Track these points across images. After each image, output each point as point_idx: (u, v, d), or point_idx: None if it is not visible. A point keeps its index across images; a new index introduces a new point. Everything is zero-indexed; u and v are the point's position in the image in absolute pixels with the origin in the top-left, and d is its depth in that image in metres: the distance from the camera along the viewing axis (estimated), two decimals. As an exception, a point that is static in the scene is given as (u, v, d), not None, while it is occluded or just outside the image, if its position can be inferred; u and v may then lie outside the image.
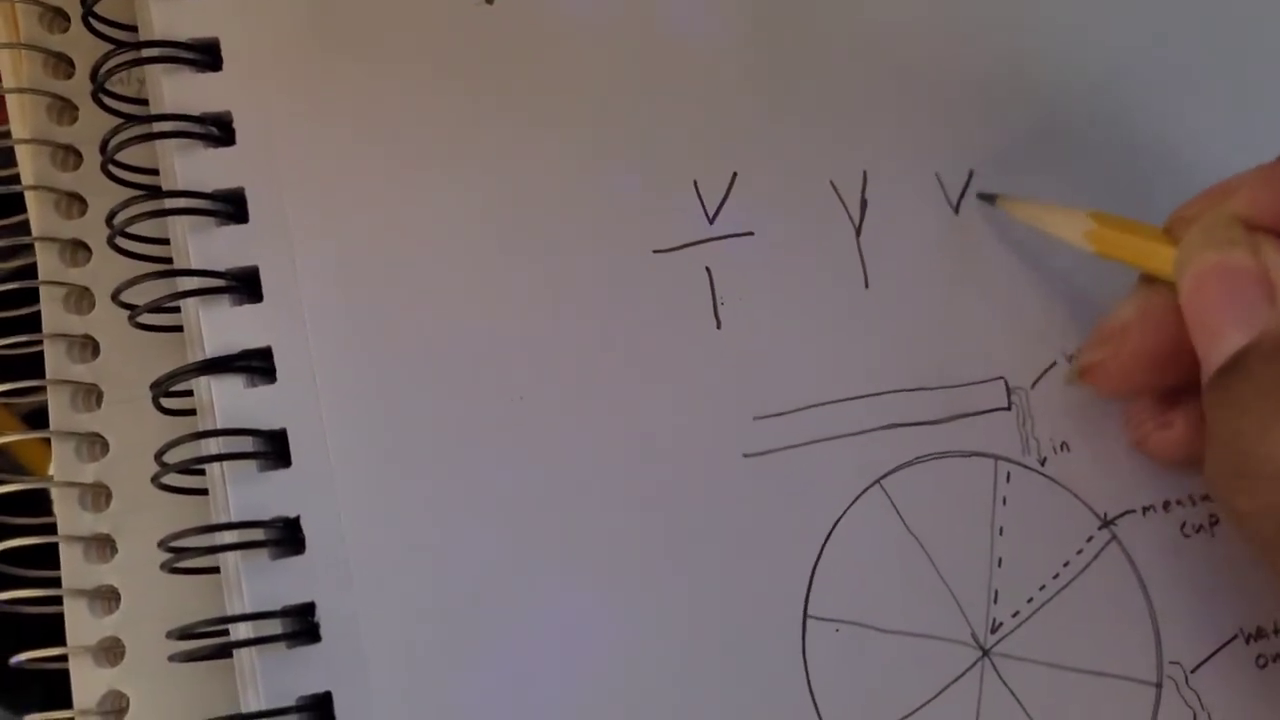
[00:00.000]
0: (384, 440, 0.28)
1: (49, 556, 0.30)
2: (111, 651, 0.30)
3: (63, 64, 0.33)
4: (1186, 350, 0.26)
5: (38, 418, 0.32)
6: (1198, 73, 0.33)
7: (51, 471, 0.31)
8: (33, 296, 0.32)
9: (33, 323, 0.32)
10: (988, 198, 0.31)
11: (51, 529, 0.30)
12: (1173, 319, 0.26)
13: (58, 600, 0.30)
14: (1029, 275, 0.31)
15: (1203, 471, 0.26)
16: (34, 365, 0.32)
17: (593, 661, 0.27)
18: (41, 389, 0.31)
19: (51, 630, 0.30)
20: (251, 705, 0.26)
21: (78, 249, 0.32)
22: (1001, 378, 0.31)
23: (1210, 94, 0.33)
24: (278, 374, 0.28)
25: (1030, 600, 0.29)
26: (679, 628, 0.28)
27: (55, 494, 0.31)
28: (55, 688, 0.30)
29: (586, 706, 0.27)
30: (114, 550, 0.30)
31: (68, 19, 0.33)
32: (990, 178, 0.32)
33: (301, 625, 0.27)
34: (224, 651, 0.27)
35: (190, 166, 0.29)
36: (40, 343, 0.32)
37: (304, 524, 0.27)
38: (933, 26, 0.33)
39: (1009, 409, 0.30)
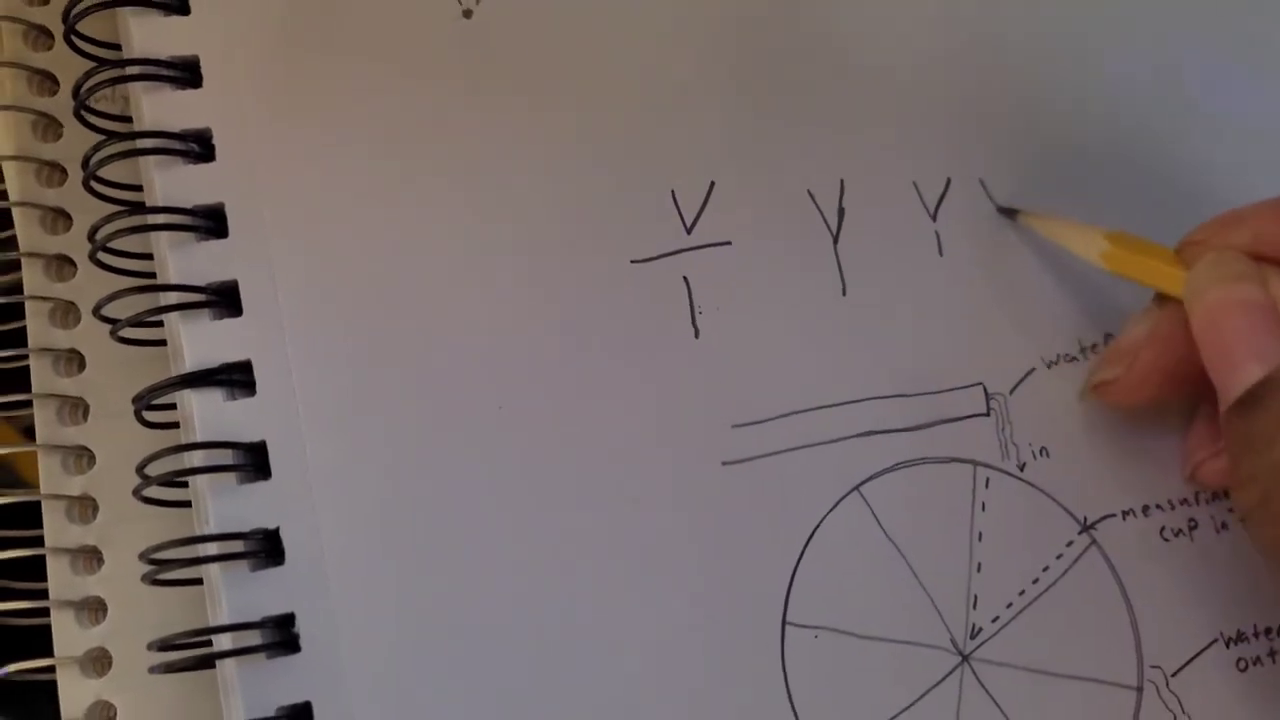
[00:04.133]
0: (363, 451, 0.28)
1: (38, 568, 0.31)
2: (99, 662, 0.30)
3: (47, 81, 0.33)
4: (1195, 367, 0.26)
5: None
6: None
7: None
8: (19, 311, 0.33)
9: (20, 337, 0.32)
10: (1009, 212, 0.31)
11: (41, 541, 0.31)
12: (1181, 337, 0.27)
13: (45, 612, 0.30)
14: (1007, 281, 0.31)
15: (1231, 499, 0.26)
16: (24, 379, 0.32)
17: (572, 670, 0.28)
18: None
19: (40, 641, 0.30)
20: (234, 716, 0.27)
21: (63, 264, 0.33)
22: (980, 384, 0.31)
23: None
24: (257, 387, 0.28)
25: (1010, 605, 0.29)
26: (658, 636, 0.28)
27: (43, 506, 0.31)
28: (44, 699, 0.30)
29: (566, 715, 0.27)
30: (101, 561, 0.31)
31: (52, 37, 0.33)
32: (971, 189, 0.32)
33: (281, 636, 0.27)
34: (206, 662, 0.27)
35: (171, 182, 0.29)
36: (27, 357, 0.32)
37: (283, 535, 0.27)
38: (912, 36, 0.33)
39: (988, 415, 0.30)
